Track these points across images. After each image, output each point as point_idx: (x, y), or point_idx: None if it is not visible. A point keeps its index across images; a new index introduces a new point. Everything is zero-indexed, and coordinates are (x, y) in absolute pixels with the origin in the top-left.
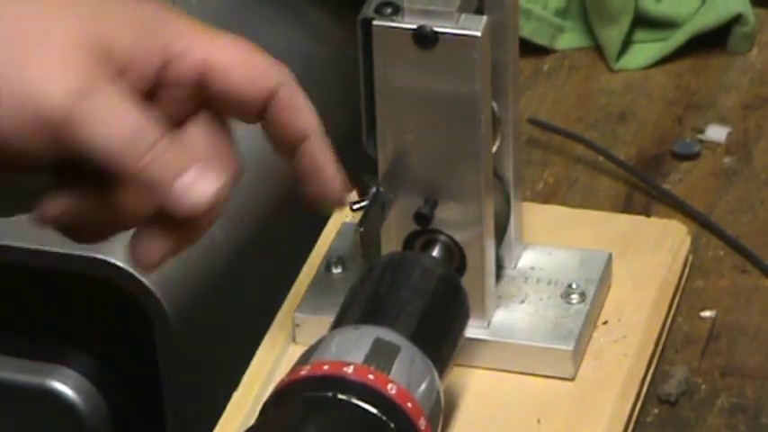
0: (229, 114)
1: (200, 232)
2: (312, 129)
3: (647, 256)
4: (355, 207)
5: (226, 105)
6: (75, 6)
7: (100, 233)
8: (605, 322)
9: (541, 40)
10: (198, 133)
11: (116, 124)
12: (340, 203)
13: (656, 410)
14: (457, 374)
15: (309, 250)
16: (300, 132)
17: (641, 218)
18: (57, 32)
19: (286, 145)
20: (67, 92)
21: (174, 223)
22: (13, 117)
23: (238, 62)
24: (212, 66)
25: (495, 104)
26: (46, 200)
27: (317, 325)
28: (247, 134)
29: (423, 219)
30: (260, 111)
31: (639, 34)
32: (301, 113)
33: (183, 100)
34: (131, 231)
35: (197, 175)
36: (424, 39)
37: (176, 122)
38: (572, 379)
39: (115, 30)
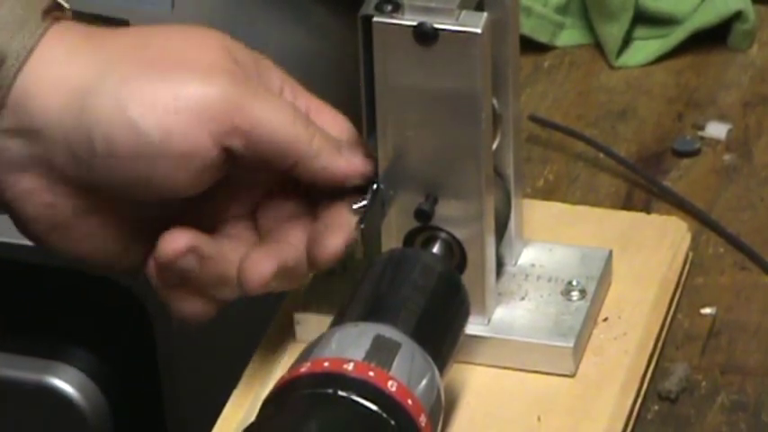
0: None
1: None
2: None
3: (647, 254)
4: (355, 206)
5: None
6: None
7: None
8: (606, 319)
9: (542, 37)
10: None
11: (280, 110)
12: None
13: (656, 407)
14: (457, 371)
15: None
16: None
17: (642, 215)
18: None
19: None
20: (231, 97)
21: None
22: (177, 124)
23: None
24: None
25: (495, 101)
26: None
27: (318, 322)
28: None
29: (423, 216)
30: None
31: (640, 31)
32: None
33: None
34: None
35: (344, 146)
36: (425, 36)
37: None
38: (572, 376)
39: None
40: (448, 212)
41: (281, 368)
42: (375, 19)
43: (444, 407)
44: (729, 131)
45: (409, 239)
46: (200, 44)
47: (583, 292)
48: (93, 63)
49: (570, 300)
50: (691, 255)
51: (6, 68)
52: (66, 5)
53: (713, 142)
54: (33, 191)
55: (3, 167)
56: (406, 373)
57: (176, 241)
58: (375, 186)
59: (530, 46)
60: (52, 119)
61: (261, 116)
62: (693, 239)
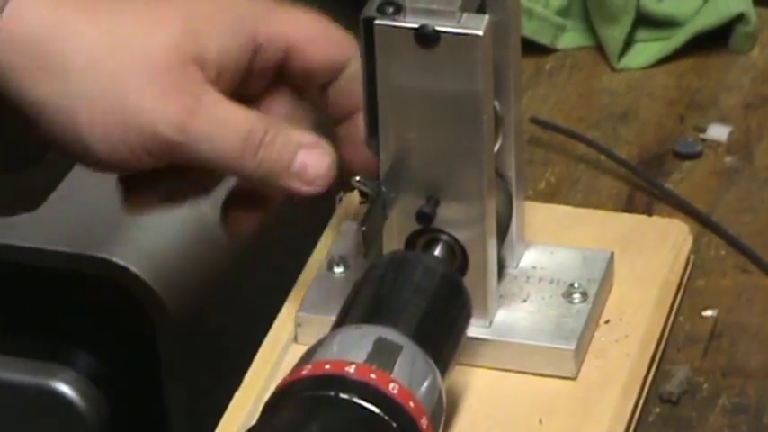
0: (303, 86)
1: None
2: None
3: (648, 256)
4: (362, 201)
5: (302, 79)
6: (168, 17)
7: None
8: (607, 321)
9: (543, 39)
10: (282, 106)
11: (227, 135)
12: (371, 171)
13: (657, 410)
14: (459, 374)
15: (311, 250)
16: (360, 101)
17: (643, 217)
18: (154, 48)
19: (344, 112)
20: (174, 121)
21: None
22: (123, 143)
23: (317, 39)
24: (294, 46)
25: (496, 104)
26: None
27: (319, 324)
28: None
29: (425, 218)
30: (330, 81)
31: (641, 34)
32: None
33: (265, 78)
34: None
35: (307, 156)
36: (426, 38)
37: (257, 98)
38: (574, 378)
39: (207, 34)
40: (449, 215)
41: (282, 370)
42: (377, 21)
43: (446, 409)
44: (731, 134)
45: (411, 242)
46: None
47: (584, 295)
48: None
49: (572, 302)
50: (692, 257)
51: None
52: None
53: (714, 144)
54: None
55: None
56: (408, 376)
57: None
58: (377, 189)
59: (531, 48)
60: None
61: (205, 149)
62: (695, 242)
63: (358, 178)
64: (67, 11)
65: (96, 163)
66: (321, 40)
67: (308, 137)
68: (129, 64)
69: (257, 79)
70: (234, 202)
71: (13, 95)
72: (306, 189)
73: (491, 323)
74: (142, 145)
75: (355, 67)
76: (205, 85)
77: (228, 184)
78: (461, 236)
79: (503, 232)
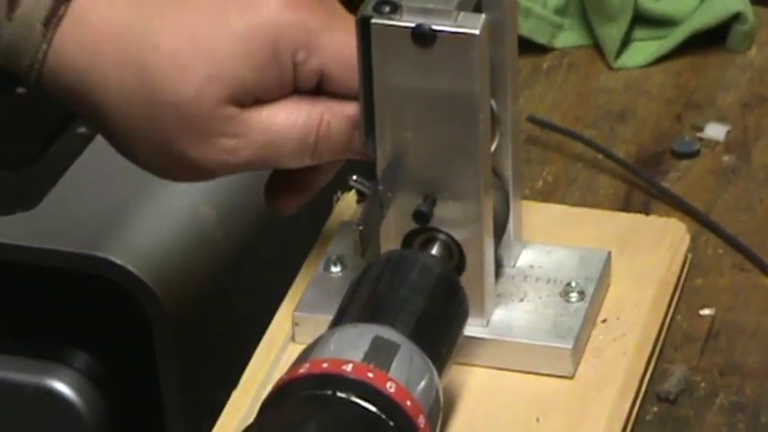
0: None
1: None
2: None
3: (646, 255)
4: (359, 201)
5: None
6: (202, 54)
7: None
8: (604, 320)
9: (540, 38)
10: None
11: (279, 151)
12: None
13: (655, 409)
14: (456, 373)
15: (308, 249)
16: None
17: (640, 216)
18: (181, 99)
19: None
20: (220, 162)
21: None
22: (180, 174)
23: (351, 68)
24: (329, 73)
25: (493, 103)
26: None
27: (316, 324)
28: None
29: (422, 217)
30: None
31: (638, 32)
32: None
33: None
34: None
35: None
36: (423, 37)
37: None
38: (571, 377)
39: (243, 71)
40: (446, 214)
41: (279, 369)
42: (373, 20)
43: (443, 408)
44: (728, 132)
45: (408, 241)
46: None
47: (581, 294)
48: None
49: (569, 301)
50: (690, 256)
51: None
52: None
53: (712, 143)
54: None
55: None
56: (405, 375)
57: None
58: (374, 188)
59: (528, 47)
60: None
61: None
62: (692, 240)
63: (355, 177)
64: (101, 59)
65: (171, 178)
66: (353, 71)
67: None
68: (163, 115)
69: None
70: (276, 184)
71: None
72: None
73: (488, 322)
74: (198, 176)
75: None
76: (241, 115)
77: None
78: (458, 235)
79: (500, 231)
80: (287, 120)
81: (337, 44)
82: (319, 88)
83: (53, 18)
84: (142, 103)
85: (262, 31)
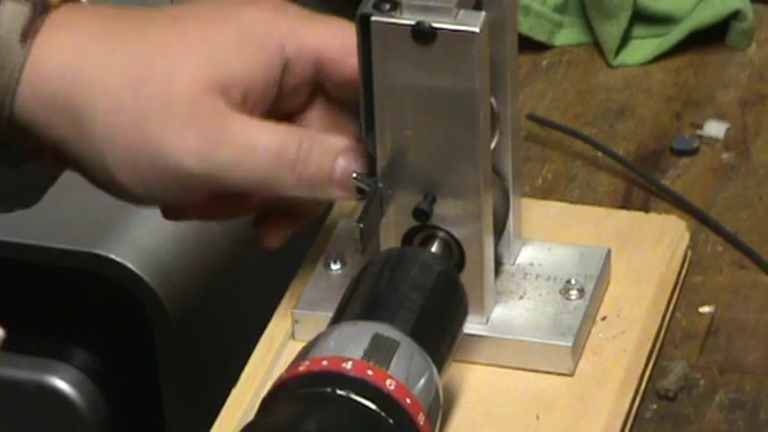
0: (340, 96)
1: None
2: None
3: (645, 252)
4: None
5: (337, 89)
6: (188, 47)
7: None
8: (604, 318)
9: (540, 35)
10: (322, 118)
11: (255, 159)
12: None
13: (654, 406)
14: (456, 370)
15: (308, 247)
16: None
17: (640, 213)
18: (173, 82)
19: None
20: (198, 153)
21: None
22: (155, 180)
23: (347, 48)
24: (324, 59)
25: (493, 100)
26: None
27: (316, 321)
28: None
29: (421, 214)
30: None
31: (638, 30)
32: None
33: (302, 92)
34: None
35: (347, 162)
36: (423, 35)
37: (297, 111)
38: (571, 375)
39: (229, 59)
40: (446, 211)
41: (279, 367)
42: (373, 18)
43: (443, 406)
44: (728, 130)
45: (408, 238)
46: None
47: (581, 291)
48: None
49: (569, 299)
50: (689, 253)
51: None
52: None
53: (711, 141)
54: None
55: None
56: (405, 372)
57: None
58: (374, 185)
59: (528, 45)
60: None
61: (238, 177)
62: (692, 238)
63: (355, 175)
64: (90, 52)
65: (135, 199)
66: (351, 50)
67: (345, 141)
68: (150, 102)
69: (293, 94)
70: (264, 216)
71: (41, 140)
72: (350, 195)
73: (488, 320)
74: (173, 180)
75: None
76: (228, 112)
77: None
78: (458, 232)
79: (500, 229)
80: (268, 130)
81: (330, 30)
82: (317, 91)
83: (30, 30)
84: (132, 91)
85: (250, 26)
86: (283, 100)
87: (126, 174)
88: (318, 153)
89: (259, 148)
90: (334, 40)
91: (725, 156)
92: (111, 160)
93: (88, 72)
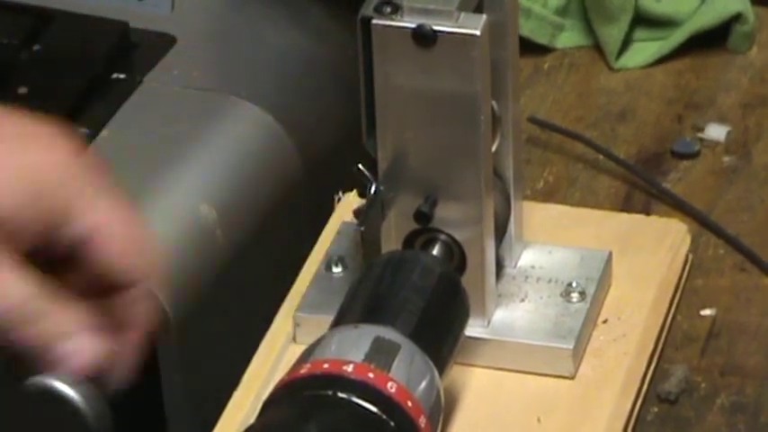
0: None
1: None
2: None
3: (646, 255)
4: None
5: (90, 266)
6: None
7: None
8: (605, 321)
9: (541, 38)
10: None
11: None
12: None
13: (655, 409)
14: (457, 373)
15: (309, 250)
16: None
17: (641, 216)
18: None
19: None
20: None
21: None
22: None
23: (118, 238)
24: (94, 237)
25: (494, 103)
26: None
27: (318, 324)
28: (247, 132)
29: (423, 217)
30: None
31: (639, 33)
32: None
33: (58, 256)
34: None
35: (80, 343)
36: (424, 37)
37: (60, 266)
38: (572, 377)
39: (3, 197)
40: (447, 214)
41: (280, 370)
42: (374, 21)
43: (444, 408)
44: (729, 133)
45: (409, 241)
46: None
47: (582, 294)
48: None
49: (570, 301)
50: (690, 256)
51: None
52: None
53: (713, 144)
54: None
55: None
56: (406, 375)
57: None
58: (374, 188)
59: (529, 47)
60: None
61: None
62: (693, 241)
63: (360, 166)
64: None
65: None
66: (121, 242)
67: (77, 324)
68: None
69: (50, 253)
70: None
71: None
72: (66, 370)
73: (489, 322)
74: None
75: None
76: None
77: None
78: (459, 235)
79: (501, 232)
80: (19, 278)
81: (115, 215)
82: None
83: None
84: None
85: (37, 169)
86: (47, 249)
87: None
88: (45, 327)
89: (9, 292)
90: (106, 225)
91: (726, 159)
92: None
93: None
